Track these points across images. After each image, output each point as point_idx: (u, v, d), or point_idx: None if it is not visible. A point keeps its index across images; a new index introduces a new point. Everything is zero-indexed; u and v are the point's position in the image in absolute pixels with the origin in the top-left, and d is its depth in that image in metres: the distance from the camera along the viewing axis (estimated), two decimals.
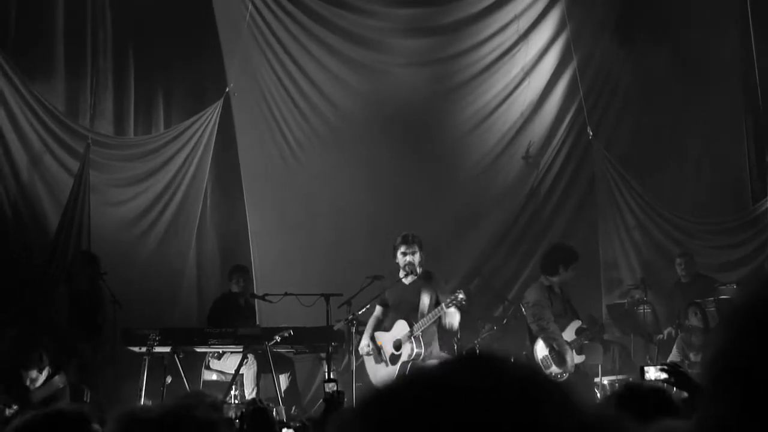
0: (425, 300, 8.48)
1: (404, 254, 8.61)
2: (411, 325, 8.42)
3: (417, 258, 8.58)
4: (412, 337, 8.38)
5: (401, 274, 8.64)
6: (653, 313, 10.51)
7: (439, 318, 8.36)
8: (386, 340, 8.63)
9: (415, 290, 8.57)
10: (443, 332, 8.60)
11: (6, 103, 10.30)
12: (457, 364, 1.25)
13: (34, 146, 10.52)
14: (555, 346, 8.83)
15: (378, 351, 8.65)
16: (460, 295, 8.13)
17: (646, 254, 11.43)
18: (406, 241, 8.64)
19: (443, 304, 8.22)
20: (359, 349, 8.79)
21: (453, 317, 8.37)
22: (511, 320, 10.40)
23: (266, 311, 10.82)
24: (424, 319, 8.38)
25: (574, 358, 8.86)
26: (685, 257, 10.73)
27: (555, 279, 9.07)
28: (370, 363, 8.78)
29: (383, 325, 8.78)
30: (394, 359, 8.53)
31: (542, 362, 8.92)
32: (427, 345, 8.42)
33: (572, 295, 9.35)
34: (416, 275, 8.62)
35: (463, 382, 1.17)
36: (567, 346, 8.83)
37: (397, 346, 8.50)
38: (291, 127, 11.78)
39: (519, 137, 11.92)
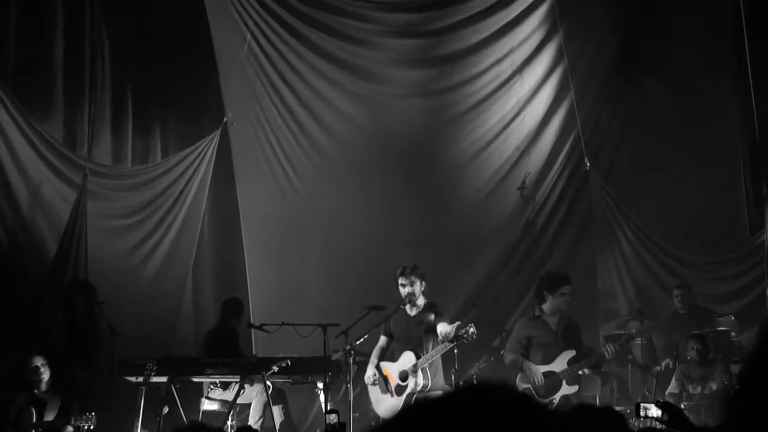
0: (431, 331, 8.51)
1: (403, 286, 8.66)
2: (418, 357, 8.44)
3: (417, 288, 8.61)
4: (419, 369, 8.39)
5: (404, 304, 8.66)
6: (650, 345, 10.49)
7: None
8: (392, 370, 8.64)
9: (419, 321, 8.61)
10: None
11: (4, 134, 10.31)
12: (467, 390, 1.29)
13: (32, 176, 10.53)
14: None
15: (385, 381, 8.65)
16: (471, 329, 8.18)
17: (644, 285, 11.42)
18: (403, 273, 8.69)
19: (453, 338, 8.26)
20: (365, 378, 8.80)
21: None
22: None
23: (263, 341, 10.80)
24: (432, 351, 8.41)
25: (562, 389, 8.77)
26: (682, 289, 10.72)
27: (545, 307, 9.03)
28: (375, 393, 8.77)
29: (387, 355, 8.79)
30: (399, 390, 8.53)
31: None
32: (432, 376, 8.46)
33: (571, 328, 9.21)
34: (418, 305, 8.64)
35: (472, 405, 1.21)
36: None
37: (404, 377, 8.51)
38: (289, 157, 11.80)
39: (516, 169, 11.93)
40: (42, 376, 8.89)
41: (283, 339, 9.55)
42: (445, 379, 8.85)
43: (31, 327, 9.95)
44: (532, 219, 11.85)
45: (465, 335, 8.18)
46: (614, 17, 11.88)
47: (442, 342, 8.31)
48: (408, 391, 8.46)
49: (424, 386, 8.41)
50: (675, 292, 10.77)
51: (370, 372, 8.77)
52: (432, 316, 8.57)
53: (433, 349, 8.44)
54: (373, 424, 9.71)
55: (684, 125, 11.59)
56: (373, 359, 8.82)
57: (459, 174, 12.00)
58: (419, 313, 8.66)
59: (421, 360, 8.42)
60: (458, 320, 8.43)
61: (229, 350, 9.80)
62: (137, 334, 10.16)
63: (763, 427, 1.33)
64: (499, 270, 11.81)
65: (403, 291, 8.63)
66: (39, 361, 8.92)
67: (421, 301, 8.66)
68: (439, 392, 8.43)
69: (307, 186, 11.83)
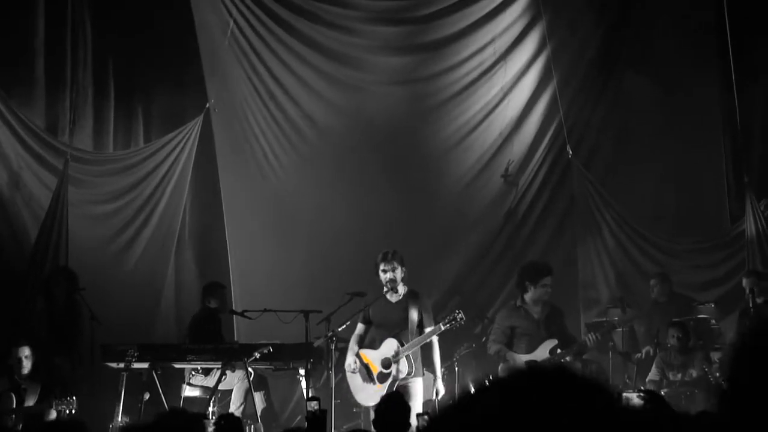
0: (413, 318, 8.51)
1: (384, 271, 8.63)
2: (401, 344, 8.43)
3: (398, 274, 8.59)
4: (402, 356, 8.39)
5: (384, 290, 8.65)
6: (631, 332, 10.53)
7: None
8: (374, 358, 8.62)
9: (401, 308, 8.59)
10: (425, 349, 8.67)
11: None
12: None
13: (12, 163, 10.46)
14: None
15: (366, 369, 8.64)
16: (459, 315, 8.21)
17: (625, 273, 11.46)
18: (385, 259, 8.67)
19: (440, 324, 8.28)
20: (345, 366, 8.77)
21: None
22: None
23: (245, 327, 10.79)
24: (417, 338, 8.41)
25: None
26: (658, 278, 10.75)
27: (527, 297, 9.05)
28: (355, 381, 8.73)
29: (365, 342, 8.77)
30: (382, 378, 8.51)
31: None
32: (414, 362, 8.46)
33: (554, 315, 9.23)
34: (398, 292, 8.62)
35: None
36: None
37: (386, 364, 8.50)
38: (271, 143, 11.79)
39: (498, 156, 11.94)
40: (24, 368, 8.88)
41: (265, 325, 9.54)
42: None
43: (12, 314, 9.92)
44: (514, 207, 11.87)
45: (453, 320, 8.23)
46: (598, 7, 11.89)
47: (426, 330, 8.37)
48: (390, 379, 8.46)
49: (408, 373, 8.40)
50: (652, 282, 10.78)
51: (350, 359, 8.73)
52: (414, 303, 8.58)
53: (417, 336, 8.46)
54: (354, 410, 9.74)
55: (666, 116, 11.63)
56: (353, 346, 8.78)
57: (442, 161, 12.01)
58: (400, 300, 8.64)
59: (403, 348, 8.42)
60: (440, 307, 8.44)
61: (211, 336, 9.80)
62: (119, 321, 10.13)
63: (754, 417, 1.35)
64: (481, 257, 11.83)
65: (384, 277, 8.61)
66: (25, 352, 8.90)
67: (401, 288, 8.64)
68: (420, 379, 8.48)
69: (289, 172, 11.82)
